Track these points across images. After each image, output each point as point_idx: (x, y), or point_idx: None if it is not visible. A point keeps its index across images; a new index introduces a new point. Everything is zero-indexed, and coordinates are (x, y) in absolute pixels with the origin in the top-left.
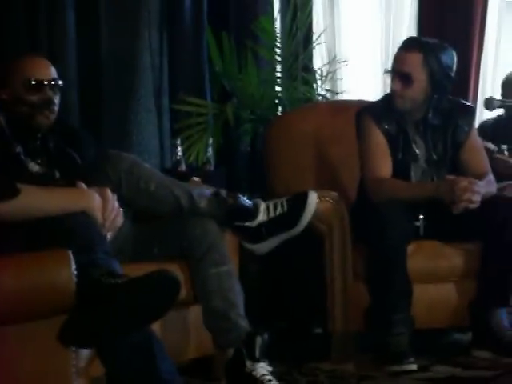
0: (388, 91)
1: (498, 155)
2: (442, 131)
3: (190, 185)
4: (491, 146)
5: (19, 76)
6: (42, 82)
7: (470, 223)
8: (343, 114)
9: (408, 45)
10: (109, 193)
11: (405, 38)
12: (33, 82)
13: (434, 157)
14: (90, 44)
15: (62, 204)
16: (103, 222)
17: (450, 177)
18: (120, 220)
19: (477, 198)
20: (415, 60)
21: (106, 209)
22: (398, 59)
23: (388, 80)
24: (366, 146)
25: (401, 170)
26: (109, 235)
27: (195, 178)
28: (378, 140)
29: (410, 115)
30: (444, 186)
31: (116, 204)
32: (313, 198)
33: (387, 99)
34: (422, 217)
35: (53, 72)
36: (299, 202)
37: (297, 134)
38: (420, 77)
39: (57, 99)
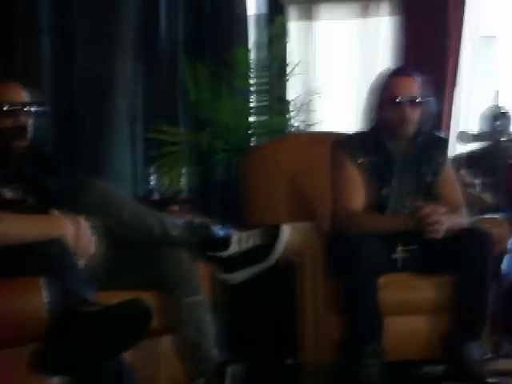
0: (363, 124)
1: (471, 190)
2: (417, 163)
3: (166, 213)
4: (468, 178)
5: None
6: (14, 106)
7: (444, 256)
8: (318, 146)
9: (405, 72)
10: (81, 220)
11: (381, 70)
12: (5, 108)
13: (410, 189)
14: (64, 70)
15: (35, 231)
16: (76, 250)
17: (417, 203)
18: (92, 248)
19: (442, 219)
20: (418, 85)
21: (79, 236)
22: (404, 85)
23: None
24: (338, 178)
25: (378, 203)
26: (81, 262)
27: (174, 207)
28: (351, 173)
29: (397, 146)
30: (411, 215)
31: (88, 231)
32: (285, 231)
33: (365, 133)
34: (400, 249)
35: (26, 97)
36: (271, 235)
37: (271, 164)
38: (422, 102)
39: (30, 125)
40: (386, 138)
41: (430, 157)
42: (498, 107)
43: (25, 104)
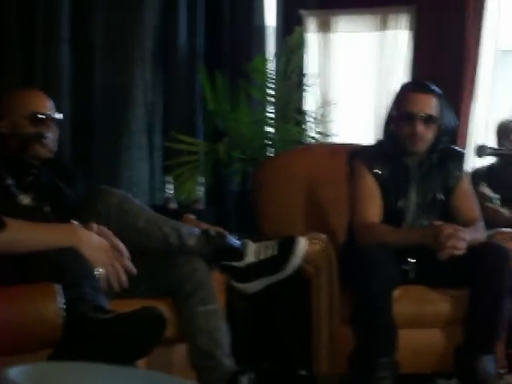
0: (380, 136)
1: (490, 204)
2: (434, 176)
3: (182, 222)
4: (487, 191)
5: (21, 109)
6: (37, 115)
7: (459, 270)
8: (335, 157)
9: (423, 87)
10: (104, 229)
11: (398, 82)
12: (28, 115)
13: (426, 201)
14: (83, 78)
15: (48, 240)
16: (94, 259)
17: (437, 223)
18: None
19: (462, 245)
20: (434, 102)
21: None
22: (418, 102)
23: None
24: (356, 189)
25: (394, 215)
26: (101, 271)
27: (190, 216)
28: (369, 184)
29: (412, 159)
30: (430, 232)
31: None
32: (302, 243)
33: (382, 144)
34: (412, 261)
35: (48, 106)
36: (288, 246)
37: (287, 175)
38: (438, 119)
39: (54, 134)
40: (401, 150)
41: (446, 170)
42: None
43: (47, 113)
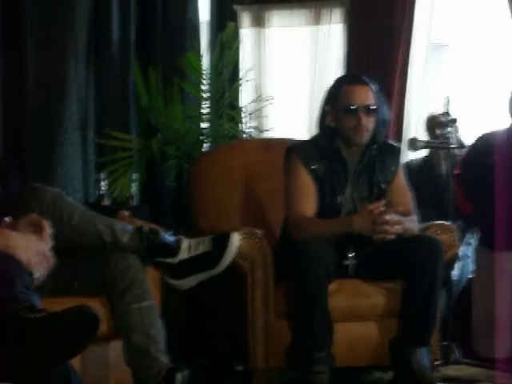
0: (315, 130)
1: None
2: (370, 170)
3: (116, 219)
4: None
5: None
6: None
7: (393, 263)
8: (270, 152)
9: (360, 80)
10: (45, 223)
11: (332, 76)
12: None
13: (361, 195)
14: (15, 73)
15: None
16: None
17: (367, 206)
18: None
19: (394, 218)
20: (371, 93)
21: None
22: (358, 94)
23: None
24: (290, 184)
25: (331, 209)
26: (40, 270)
27: (125, 212)
28: (303, 179)
29: (352, 152)
30: (360, 216)
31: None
32: (235, 239)
33: (318, 139)
34: (350, 255)
35: None
36: (221, 242)
37: (222, 171)
38: (376, 110)
39: None
40: (340, 145)
41: (383, 164)
42: (447, 114)
43: None
